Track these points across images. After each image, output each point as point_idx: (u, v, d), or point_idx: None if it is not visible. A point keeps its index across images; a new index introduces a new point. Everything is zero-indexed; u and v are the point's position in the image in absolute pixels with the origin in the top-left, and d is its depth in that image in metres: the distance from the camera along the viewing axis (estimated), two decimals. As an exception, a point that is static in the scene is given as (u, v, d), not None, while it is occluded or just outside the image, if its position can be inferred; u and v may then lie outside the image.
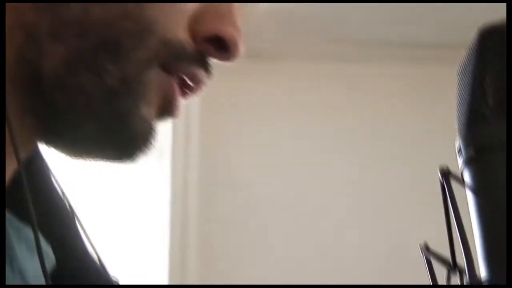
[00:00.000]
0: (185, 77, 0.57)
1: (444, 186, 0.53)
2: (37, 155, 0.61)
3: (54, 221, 0.59)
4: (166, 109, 0.58)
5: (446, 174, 0.53)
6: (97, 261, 0.61)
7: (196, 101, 2.25)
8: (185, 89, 0.58)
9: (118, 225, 2.00)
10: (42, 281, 0.52)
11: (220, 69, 0.60)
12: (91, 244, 0.62)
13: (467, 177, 0.56)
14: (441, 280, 0.57)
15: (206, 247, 2.28)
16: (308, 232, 2.33)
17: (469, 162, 0.55)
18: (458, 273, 0.57)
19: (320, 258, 2.31)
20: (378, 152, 2.43)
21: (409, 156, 2.41)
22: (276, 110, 2.44)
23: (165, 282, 2.07)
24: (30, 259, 0.51)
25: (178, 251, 2.15)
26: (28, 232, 0.52)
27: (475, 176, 0.55)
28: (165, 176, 2.16)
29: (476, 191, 0.54)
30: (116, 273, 0.62)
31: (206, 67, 0.58)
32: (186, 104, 0.60)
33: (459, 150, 0.57)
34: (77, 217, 0.63)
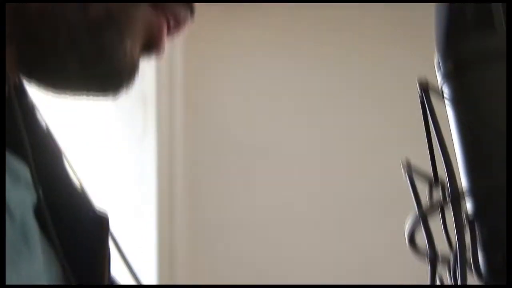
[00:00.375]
0: (169, 17, 0.58)
1: (424, 100, 0.53)
2: (21, 90, 0.61)
3: (39, 153, 0.59)
4: (152, 46, 0.58)
5: (425, 87, 0.53)
6: (82, 194, 0.61)
7: (179, 44, 2.23)
8: (169, 29, 0.58)
9: (103, 170, 2.00)
10: (24, 210, 0.52)
11: (204, 12, 0.60)
12: (76, 177, 0.62)
13: (446, 92, 0.56)
14: (424, 196, 0.58)
15: (193, 192, 2.29)
16: (294, 174, 2.34)
17: (448, 76, 0.55)
18: (440, 188, 0.58)
19: (306, 198, 2.32)
20: (360, 78, 2.39)
21: (391, 80, 2.37)
22: (261, 54, 2.43)
23: (152, 223, 2.09)
24: (13, 188, 0.51)
25: (166, 194, 2.16)
26: (12, 162, 0.52)
27: (454, 90, 0.55)
28: (150, 122, 2.16)
29: (456, 103, 0.54)
30: (102, 206, 0.62)
31: (190, 7, 0.58)
32: (169, 48, 0.60)
33: (438, 65, 0.57)
34: (62, 151, 0.63)
